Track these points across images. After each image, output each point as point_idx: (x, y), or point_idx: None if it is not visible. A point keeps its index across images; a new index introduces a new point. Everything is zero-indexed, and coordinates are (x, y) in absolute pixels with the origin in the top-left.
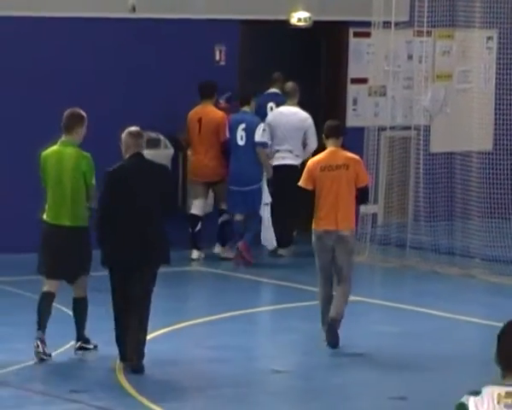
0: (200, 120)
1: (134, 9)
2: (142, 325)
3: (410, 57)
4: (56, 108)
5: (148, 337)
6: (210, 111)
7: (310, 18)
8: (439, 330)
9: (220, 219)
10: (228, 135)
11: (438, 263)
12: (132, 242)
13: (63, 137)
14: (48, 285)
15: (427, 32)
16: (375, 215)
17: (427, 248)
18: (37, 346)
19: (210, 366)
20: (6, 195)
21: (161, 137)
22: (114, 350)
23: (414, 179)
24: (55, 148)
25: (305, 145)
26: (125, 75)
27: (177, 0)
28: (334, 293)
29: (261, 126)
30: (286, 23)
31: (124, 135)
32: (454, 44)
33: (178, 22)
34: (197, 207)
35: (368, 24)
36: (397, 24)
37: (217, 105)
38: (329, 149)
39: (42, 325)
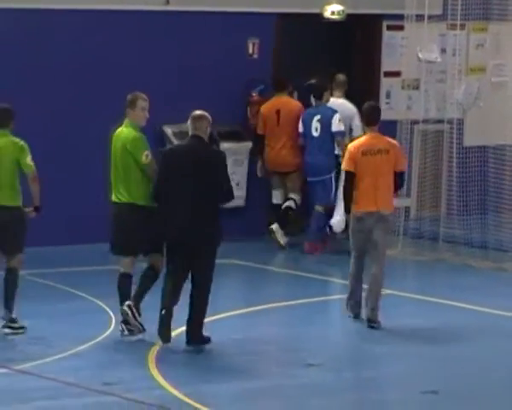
0: (278, 112)
1: (168, 2)
2: (204, 301)
3: (443, 50)
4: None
5: (182, 329)
6: (288, 102)
7: (343, 11)
8: (471, 324)
9: (285, 204)
10: (301, 128)
11: (471, 257)
12: (183, 221)
13: (125, 119)
14: (120, 265)
15: (461, 25)
16: (407, 209)
17: (460, 242)
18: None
19: (243, 358)
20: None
21: None
22: (147, 342)
23: (447, 173)
24: (119, 129)
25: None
26: (156, 68)
27: None
28: (364, 286)
29: (337, 117)
30: (319, 16)
31: None
32: (488, 38)
33: (211, 15)
34: (277, 197)
35: (401, 17)
36: (430, 17)
37: (249, 98)
38: (370, 133)
39: (124, 299)
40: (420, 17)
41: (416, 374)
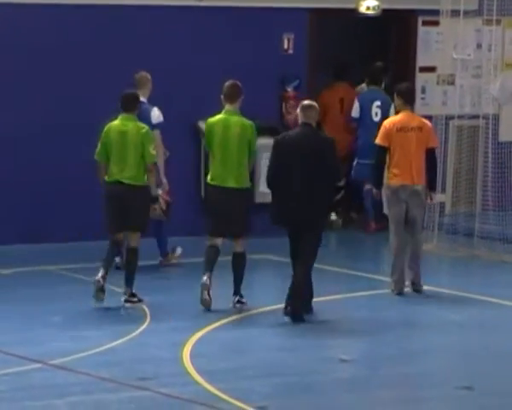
0: (341, 100)
1: None
2: (306, 276)
3: (478, 46)
4: None
5: (216, 325)
6: (351, 91)
7: (378, 6)
8: (506, 320)
9: (338, 197)
10: (357, 113)
11: (506, 253)
12: (295, 203)
13: (227, 107)
14: (212, 241)
15: (497, 20)
16: (442, 204)
17: (496, 238)
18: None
19: (276, 354)
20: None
21: None
22: (181, 338)
23: (482, 168)
24: (220, 116)
25: None
26: (190, 64)
27: None
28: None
29: (393, 106)
30: (354, 11)
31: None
32: None
33: (246, 10)
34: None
35: (436, 12)
36: (466, 12)
37: (284, 93)
38: (405, 112)
39: (208, 269)
40: (455, 12)
41: (450, 370)
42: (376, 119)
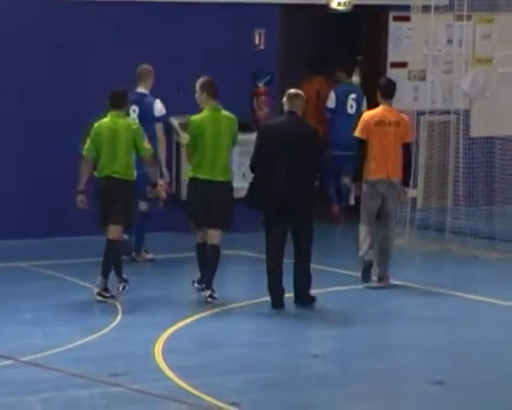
0: (318, 93)
1: None
2: (307, 263)
3: (449, 41)
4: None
5: (189, 321)
6: (327, 84)
7: (349, 2)
8: (477, 315)
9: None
10: (333, 104)
11: (477, 248)
12: (281, 189)
13: (212, 102)
14: (200, 237)
15: (467, 16)
16: (414, 199)
17: (467, 233)
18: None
19: (249, 350)
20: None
21: None
22: (153, 334)
23: (453, 164)
24: (207, 112)
25: None
26: (162, 59)
27: None
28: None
29: (364, 100)
30: (326, 7)
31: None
32: (494, 29)
33: (217, 6)
34: None
35: (408, 8)
36: (437, 8)
37: (256, 89)
38: (384, 106)
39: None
40: (426, 8)
41: (422, 365)
42: (351, 111)
